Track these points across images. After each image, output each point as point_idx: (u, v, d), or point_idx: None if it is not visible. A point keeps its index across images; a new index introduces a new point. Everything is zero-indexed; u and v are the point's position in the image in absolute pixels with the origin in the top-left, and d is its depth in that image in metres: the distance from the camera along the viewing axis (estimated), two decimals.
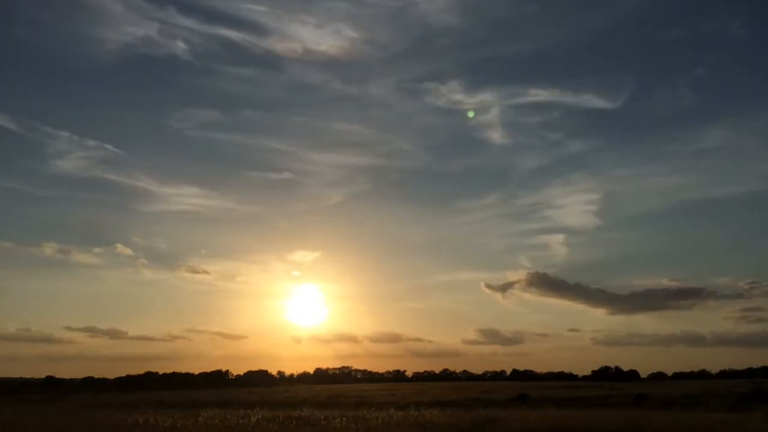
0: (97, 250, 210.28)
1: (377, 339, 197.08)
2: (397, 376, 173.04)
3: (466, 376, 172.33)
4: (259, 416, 27.63)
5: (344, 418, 25.74)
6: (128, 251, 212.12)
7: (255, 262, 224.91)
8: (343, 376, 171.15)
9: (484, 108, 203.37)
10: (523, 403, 47.03)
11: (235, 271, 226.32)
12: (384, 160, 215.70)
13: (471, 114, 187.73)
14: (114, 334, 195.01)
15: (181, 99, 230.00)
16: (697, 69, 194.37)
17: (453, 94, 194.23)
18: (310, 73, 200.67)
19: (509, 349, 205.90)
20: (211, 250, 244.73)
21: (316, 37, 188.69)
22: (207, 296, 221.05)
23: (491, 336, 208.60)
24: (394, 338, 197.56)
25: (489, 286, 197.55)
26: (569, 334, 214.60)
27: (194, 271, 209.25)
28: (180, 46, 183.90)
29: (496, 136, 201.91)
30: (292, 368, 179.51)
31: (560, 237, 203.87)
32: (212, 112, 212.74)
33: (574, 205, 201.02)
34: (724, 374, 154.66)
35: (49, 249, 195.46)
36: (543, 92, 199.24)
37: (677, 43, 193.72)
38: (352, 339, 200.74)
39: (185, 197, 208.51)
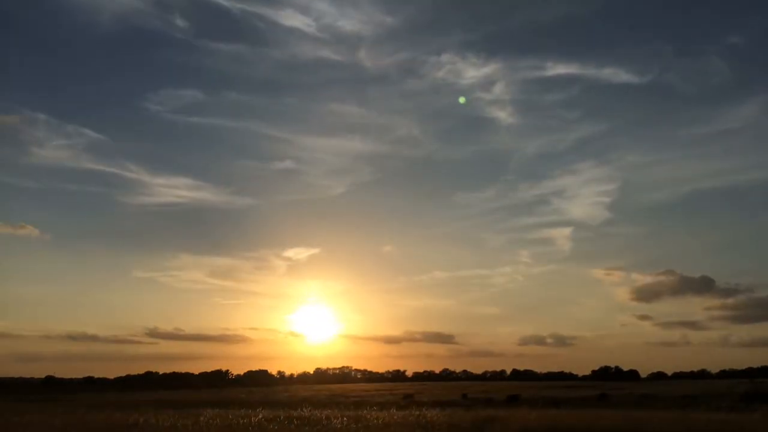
0: (82, 245, 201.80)
1: (382, 339, 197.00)
2: (397, 376, 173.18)
3: (466, 376, 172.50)
4: (260, 416, 27.62)
5: (344, 418, 25.73)
6: (115, 246, 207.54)
7: (249, 258, 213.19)
8: (343, 376, 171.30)
9: (493, 84, 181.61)
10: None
11: (228, 268, 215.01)
12: (387, 147, 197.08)
13: (462, 100, 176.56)
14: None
15: (157, 78, 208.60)
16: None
17: (462, 69, 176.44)
18: (304, 48, 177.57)
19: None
20: (203, 245, 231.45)
21: (310, 8, 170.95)
22: (198, 295, 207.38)
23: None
24: (392, 339, 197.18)
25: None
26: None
27: (186, 268, 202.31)
28: (168, 18, 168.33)
29: (505, 116, 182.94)
30: (292, 368, 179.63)
31: (566, 230, 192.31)
32: (192, 93, 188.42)
33: (587, 197, 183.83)
34: (724, 374, 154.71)
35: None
36: (561, 66, 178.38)
37: (724, 5, 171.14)
38: (351, 338, 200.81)
39: (174, 189, 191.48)
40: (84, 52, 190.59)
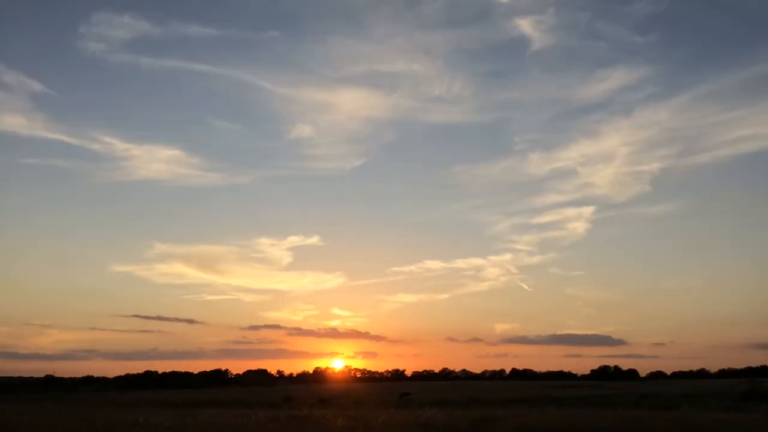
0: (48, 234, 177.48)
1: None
2: (397, 376, 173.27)
3: (466, 375, 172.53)
4: (259, 415, 27.61)
5: (344, 418, 25.73)
6: (83, 235, 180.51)
7: (240, 246, 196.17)
8: (343, 375, 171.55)
9: None
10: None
11: (215, 258, 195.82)
12: (404, 100, 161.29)
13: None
14: None
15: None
16: None
17: None
18: None
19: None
20: (186, 232, 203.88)
21: None
22: (179, 290, 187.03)
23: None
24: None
25: None
26: None
27: (166, 259, 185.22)
28: None
29: (536, 34, 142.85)
30: (291, 367, 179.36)
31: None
32: (134, 22, 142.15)
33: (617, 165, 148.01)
34: (723, 374, 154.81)
35: None
36: None
37: None
38: (351, 336, 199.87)
39: (151, 163, 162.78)
40: None
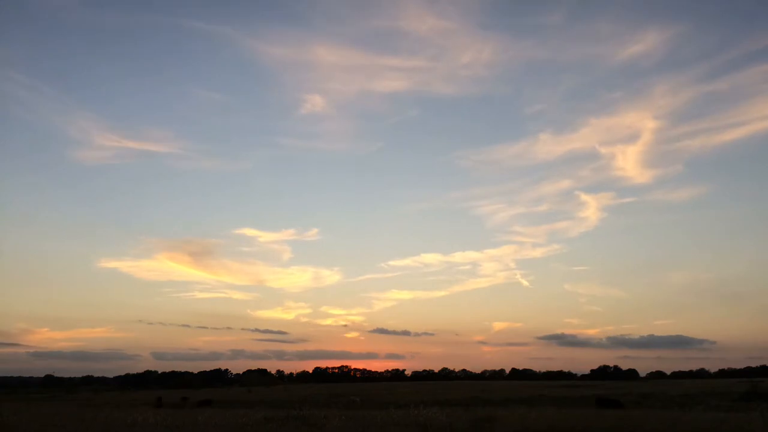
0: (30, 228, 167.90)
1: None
2: (396, 376, 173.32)
3: (465, 375, 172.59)
4: (259, 415, 27.62)
5: (344, 417, 25.73)
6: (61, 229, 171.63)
7: (235, 241, 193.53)
8: (342, 375, 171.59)
9: None
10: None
11: (207, 252, 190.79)
12: (421, 63, 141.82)
13: None
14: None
15: None
16: None
17: None
18: None
19: None
20: (175, 224, 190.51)
21: None
22: (163, 287, 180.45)
23: None
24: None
25: None
26: None
27: (150, 256, 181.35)
28: None
29: None
30: (290, 367, 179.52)
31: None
32: None
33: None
34: (722, 373, 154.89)
35: None
36: None
37: None
38: (350, 336, 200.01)
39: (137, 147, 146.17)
40: None
